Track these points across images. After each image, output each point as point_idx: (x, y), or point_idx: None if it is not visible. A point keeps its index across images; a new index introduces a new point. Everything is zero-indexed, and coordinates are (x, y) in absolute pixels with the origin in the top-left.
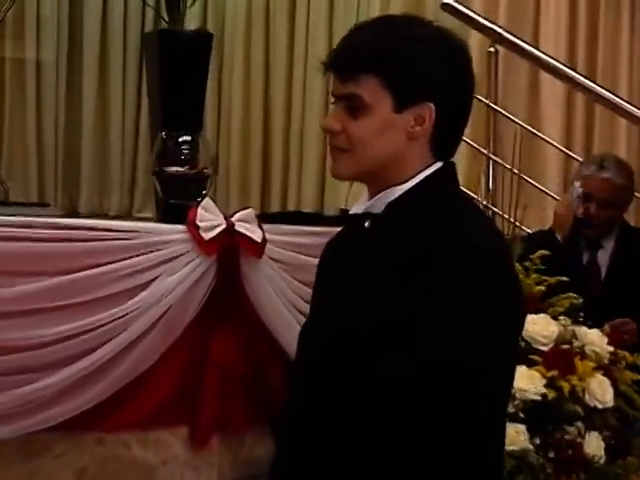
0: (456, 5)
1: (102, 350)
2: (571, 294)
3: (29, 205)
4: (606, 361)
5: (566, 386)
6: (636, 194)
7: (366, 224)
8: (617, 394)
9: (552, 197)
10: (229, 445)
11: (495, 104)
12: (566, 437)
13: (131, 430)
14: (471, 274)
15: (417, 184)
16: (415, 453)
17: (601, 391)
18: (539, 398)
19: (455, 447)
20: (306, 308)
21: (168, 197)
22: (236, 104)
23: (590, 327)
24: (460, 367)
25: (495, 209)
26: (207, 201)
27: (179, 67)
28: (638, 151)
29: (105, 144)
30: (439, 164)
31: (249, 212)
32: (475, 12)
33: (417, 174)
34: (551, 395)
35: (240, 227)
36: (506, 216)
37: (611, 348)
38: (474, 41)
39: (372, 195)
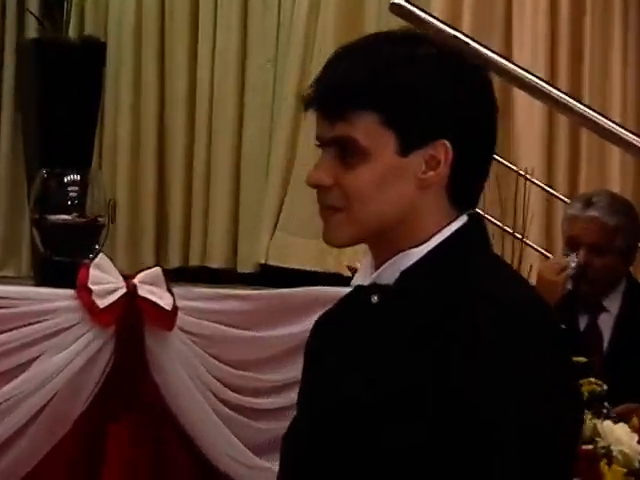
0: (407, 6)
1: None
2: (592, 379)
3: None
4: (637, 464)
5: None
6: None
7: (374, 299)
8: None
9: (534, 249)
10: None
11: None
12: None
13: None
14: (506, 330)
15: (437, 246)
16: None
17: None
18: None
19: None
20: (224, 392)
21: (51, 253)
22: (123, 133)
23: (615, 420)
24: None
25: None
26: (102, 258)
27: (62, 85)
28: (635, 188)
29: None
30: (463, 218)
31: (155, 272)
32: (432, 15)
33: (436, 233)
34: None
35: (144, 291)
36: None
37: None
38: None
39: (379, 261)
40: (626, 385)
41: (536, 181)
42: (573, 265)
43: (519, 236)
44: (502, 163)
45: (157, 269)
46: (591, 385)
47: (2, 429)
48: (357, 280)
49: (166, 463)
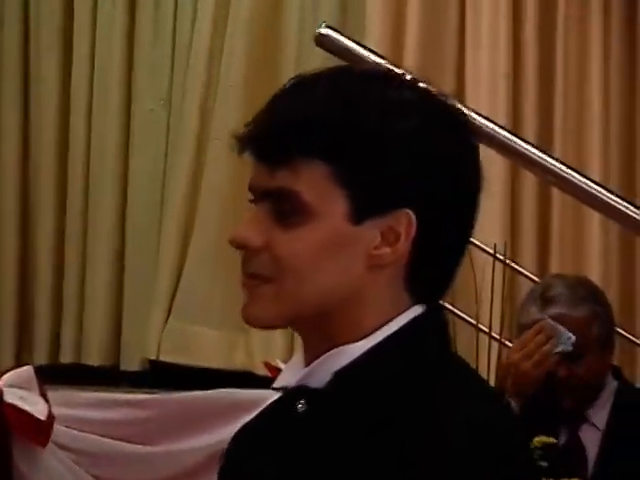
0: (337, 37)
1: None
2: None
3: None
4: None
5: None
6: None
7: (300, 406)
8: None
9: (492, 338)
10: None
11: None
12: None
13: None
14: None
15: (381, 342)
16: None
17: None
18: None
19: None
20: None
21: None
22: None
23: None
24: None
25: None
26: None
27: None
28: (619, 267)
29: None
30: (418, 309)
31: (26, 372)
32: (368, 49)
33: (382, 326)
34: None
35: (12, 396)
36: None
37: None
38: None
39: (310, 356)
40: None
41: (499, 255)
42: (569, 342)
43: (484, 328)
44: None
45: (28, 368)
46: None
47: None
48: (282, 380)
49: None
